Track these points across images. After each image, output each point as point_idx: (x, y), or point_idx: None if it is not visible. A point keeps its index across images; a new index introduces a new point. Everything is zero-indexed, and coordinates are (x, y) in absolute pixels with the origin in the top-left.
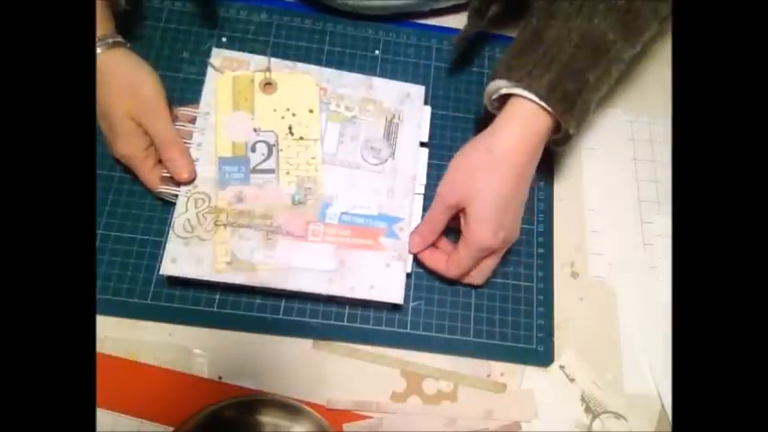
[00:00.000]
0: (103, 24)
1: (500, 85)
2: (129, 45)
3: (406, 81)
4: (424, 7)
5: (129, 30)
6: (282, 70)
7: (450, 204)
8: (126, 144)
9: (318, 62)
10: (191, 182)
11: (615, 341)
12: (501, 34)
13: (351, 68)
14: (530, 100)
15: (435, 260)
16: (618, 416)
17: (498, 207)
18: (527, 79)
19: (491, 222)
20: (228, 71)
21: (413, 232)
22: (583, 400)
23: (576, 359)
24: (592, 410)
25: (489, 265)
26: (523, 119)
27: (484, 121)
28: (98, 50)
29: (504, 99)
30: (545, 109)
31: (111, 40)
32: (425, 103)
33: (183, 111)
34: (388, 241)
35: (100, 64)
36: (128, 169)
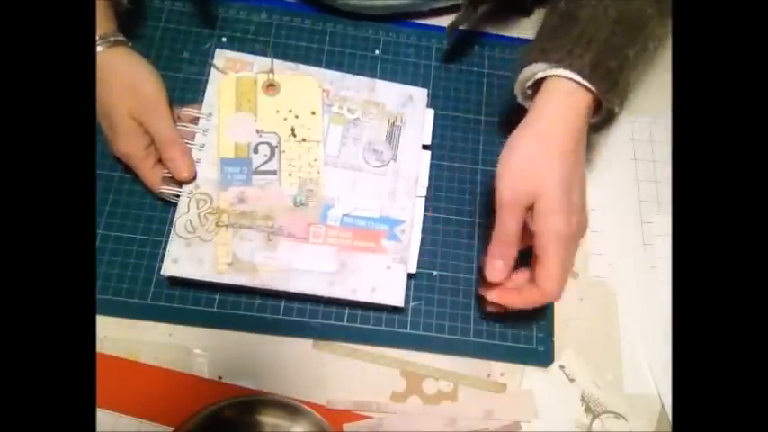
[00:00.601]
0: (105, 23)
1: (537, 69)
2: (130, 44)
3: (406, 81)
4: (424, 7)
5: (129, 29)
6: (285, 72)
7: (520, 204)
8: (126, 143)
9: (318, 62)
10: (191, 181)
11: (615, 341)
12: (501, 34)
13: (351, 68)
14: (570, 80)
15: (511, 296)
16: (618, 416)
17: (565, 191)
18: (568, 59)
19: (563, 208)
20: (232, 72)
21: (486, 257)
22: (583, 400)
23: (576, 359)
24: (592, 410)
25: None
26: (562, 101)
27: (506, 120)
28: (99, 49)
29: (538, 86)
30: (586, 88)
31: (112, 39)
32: (427, 104)
33: (186, 111)
34: (390, 244)
35: (101, 62)
36: (128, 169)
